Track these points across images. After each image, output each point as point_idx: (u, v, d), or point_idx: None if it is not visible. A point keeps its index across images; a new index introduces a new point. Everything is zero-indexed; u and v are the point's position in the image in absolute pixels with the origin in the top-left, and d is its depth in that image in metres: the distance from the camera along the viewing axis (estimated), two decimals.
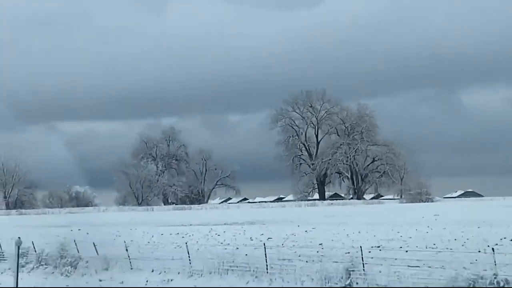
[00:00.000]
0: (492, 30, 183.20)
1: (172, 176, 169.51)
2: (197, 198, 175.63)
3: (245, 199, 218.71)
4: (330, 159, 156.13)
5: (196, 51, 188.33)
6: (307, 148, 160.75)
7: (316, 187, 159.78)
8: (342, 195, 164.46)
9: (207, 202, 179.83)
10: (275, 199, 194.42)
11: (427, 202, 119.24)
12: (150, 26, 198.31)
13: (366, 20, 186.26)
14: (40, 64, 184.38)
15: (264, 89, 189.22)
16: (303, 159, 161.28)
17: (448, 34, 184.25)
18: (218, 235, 48.29)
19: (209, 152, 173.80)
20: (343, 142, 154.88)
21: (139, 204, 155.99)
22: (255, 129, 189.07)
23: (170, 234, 53.99)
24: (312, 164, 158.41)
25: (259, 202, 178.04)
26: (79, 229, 56.15)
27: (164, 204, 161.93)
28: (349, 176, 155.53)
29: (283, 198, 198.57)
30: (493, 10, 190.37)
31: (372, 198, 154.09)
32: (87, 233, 50.69)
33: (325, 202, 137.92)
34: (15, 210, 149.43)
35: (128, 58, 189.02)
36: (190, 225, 66.19)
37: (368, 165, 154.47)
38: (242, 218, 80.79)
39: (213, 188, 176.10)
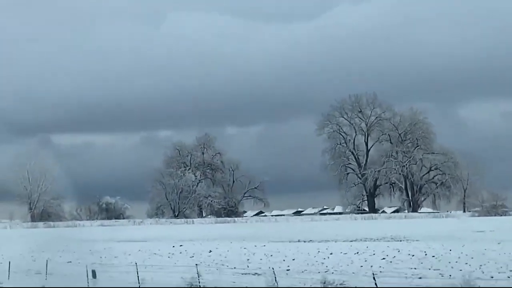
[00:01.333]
0: None
1: (208, 186, 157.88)
2: (233, 210, 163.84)
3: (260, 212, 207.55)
4: (381, 169, 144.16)
5: (193, 64, 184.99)
6: (356, 156, 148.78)
7: (366, 198, 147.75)
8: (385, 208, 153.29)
9: (242, 215, 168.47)
10: (294, 212, 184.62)
11: (503, 215, 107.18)
12: (147, 40, 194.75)
13: (366, 31, 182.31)
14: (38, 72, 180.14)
15: (261, 102, 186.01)
16: (351, 169, 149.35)
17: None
18: (325, 258, 38.04)
19: (236, 162, 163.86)
20: (398, 150, 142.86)
21: (176, 216, 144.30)
22: (260, 141, 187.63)
23: (267, 254, 42.89)
24: (362, 174, 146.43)
25: (279, 215, 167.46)
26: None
27: (198, 216, 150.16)
28: (403, 186, 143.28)
29: (302, 211, 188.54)
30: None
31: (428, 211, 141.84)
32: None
33: (382, 215, 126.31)
34: (42, 223, 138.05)
35: (125, 71, 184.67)
36: (272, 242, 54.59)
37: (424, 175, 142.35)
38: (312, 234, 68.74)
39: (241, 200, 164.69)
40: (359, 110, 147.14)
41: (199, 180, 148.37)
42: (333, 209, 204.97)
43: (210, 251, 46.84)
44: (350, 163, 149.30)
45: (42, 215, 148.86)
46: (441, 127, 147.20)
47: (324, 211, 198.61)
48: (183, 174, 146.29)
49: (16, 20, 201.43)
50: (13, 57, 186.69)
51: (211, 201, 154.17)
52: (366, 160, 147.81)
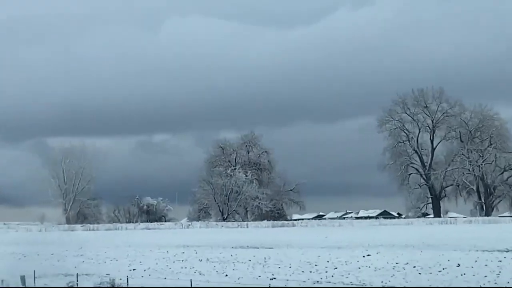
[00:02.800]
0: None
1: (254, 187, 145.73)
2: (280, 213, 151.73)
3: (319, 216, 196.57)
4: (452, 169, 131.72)
5: (191, 68, 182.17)
6: (420, 155, 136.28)
7: (430, 201, 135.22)
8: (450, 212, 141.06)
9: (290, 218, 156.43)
10: (315, 217, 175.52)
11: None
12: (145, 44, 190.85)
13: (366, 36, 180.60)
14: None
15: (259, 106, 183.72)
16: (415, 169, 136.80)
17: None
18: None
19: (272, 163, 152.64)
20: (470, 149, 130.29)
21: (224, 219, 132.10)
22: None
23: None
24: (426, 174, 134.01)
25: (298, 219, 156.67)
26: None
27: (243, 220, 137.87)
28: (474, 188, 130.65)
29: (323, 215, 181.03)
30: None
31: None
32: None
33: (459, 219, 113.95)
34: (80, 225, 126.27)
35: (122, 74, 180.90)
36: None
37: (498, 175, 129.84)
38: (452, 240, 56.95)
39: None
40: (425, 105, 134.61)
41: (251, 180, 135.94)
42: (357, 213, 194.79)
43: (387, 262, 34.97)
44: (413, 163, 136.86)
45: (78, 216, 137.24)
46: None
47: (347, 215, 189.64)
48: (233, 174, 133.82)
49: (12, 24, 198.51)
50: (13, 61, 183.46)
51: (259, 203, 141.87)
52: (431, 160, 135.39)
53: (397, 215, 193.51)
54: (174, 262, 43.11)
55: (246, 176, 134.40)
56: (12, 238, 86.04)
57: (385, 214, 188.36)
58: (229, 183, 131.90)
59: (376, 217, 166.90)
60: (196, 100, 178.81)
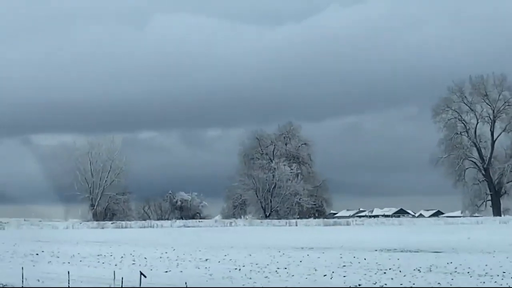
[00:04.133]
0: None
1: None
2: (321, 210, 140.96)
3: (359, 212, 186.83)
4: (509, 163, 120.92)
5: (178, 66, 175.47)
6: (478, 148, 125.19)
7: (490, 198, 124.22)
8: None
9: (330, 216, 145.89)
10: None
11: None
12: (131, 41, 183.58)
13: (355, 34, 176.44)
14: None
15: (245, 104, 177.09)
16: (473, 162, 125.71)
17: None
18: None
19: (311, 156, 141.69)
20: None
21: (267, 217, 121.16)
22: None
23: None
24: (485, 169, 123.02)
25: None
26: None
27: (287, 218, 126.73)
28: None
29: (335, 213, 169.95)
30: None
31: None
32: None
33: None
34: (111, 222, 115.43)
35: (107, 71, 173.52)
36: None
37: None
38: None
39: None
40: (484, 93, 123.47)
41: (296, 174, 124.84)
42: (371, 211, 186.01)
43: None
44: (470, 157, 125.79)
45: (106, 213, 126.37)
46: None
47: (359, 213, 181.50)
48: (276, 167, 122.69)
49: None
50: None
51: (299, 199, 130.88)
52: (491, 153, 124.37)
53: (413, 214, 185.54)
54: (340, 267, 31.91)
55: (291, 169, 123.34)
56: (53, 235, 75.24)
57: (401, 213, 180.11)
58: (272, 177, 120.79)
59: (392, 216, 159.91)
60: (182, 98, 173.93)
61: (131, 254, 43.72)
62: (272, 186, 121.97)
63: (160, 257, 40.68)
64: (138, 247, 52.82)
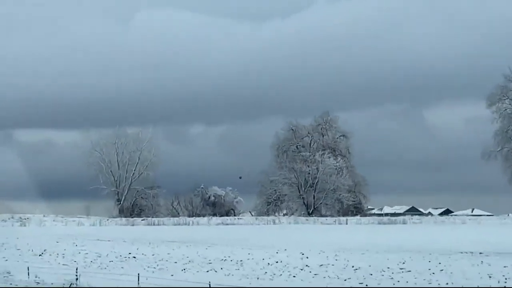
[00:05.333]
0: None
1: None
2: (359, 207, 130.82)
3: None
4: None
5: (163, 62, 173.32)
6: None
7: None
8: None
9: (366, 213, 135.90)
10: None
11: None
12: (115, 37, 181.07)
13: (342, 31, 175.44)
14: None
15: (229, 101, 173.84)
16: None
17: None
18: None
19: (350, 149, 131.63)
20: None
21: (309, 214, 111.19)
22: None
23: None
24: None
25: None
26: None
27: (331, 215, 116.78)
28: None
29: (372, 209, 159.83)
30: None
31: None
32: None
33: None
34: (141, 219, 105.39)
35: (91, 67, 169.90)
36: None
37: None
38: None
39: None
40: None
41: (340, 168, 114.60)
42: (381, 209, 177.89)
43: None
44: None
45: (133, 208, 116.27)
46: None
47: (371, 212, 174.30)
48: (321, 159, 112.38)
49: None
50: None
51: (339, 194, 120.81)
52: None
53: (426, 213, 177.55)
54: None
55: (337, 162, 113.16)
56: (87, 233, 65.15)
57: (413, 211, 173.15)
58: (316, 171, 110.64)
59: (404, 214, 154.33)
60: (167, 94, 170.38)
61: (280, 261, 34.52)
62: (316, 181, 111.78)
63: (322, 265, 31.51)
64: (255, 249, 43.54)
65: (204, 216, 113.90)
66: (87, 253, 40.59)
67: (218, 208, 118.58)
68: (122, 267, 32.49)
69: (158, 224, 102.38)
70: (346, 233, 71.81)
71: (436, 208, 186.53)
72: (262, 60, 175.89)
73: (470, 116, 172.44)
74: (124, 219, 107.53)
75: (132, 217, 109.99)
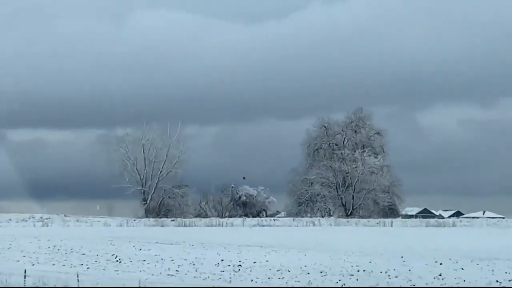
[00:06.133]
0: None
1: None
2: (394, 209, 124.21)
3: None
4: None
5: (156, 62, 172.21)
6: None
7: None
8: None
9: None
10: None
11: None
12: (108, 37, 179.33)
13: (337, 32, 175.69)
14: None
15: (223, 101, 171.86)
16: None
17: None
18: None
19: (385, 147, 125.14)
20: None
21: (348, 215, 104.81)
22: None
23: None
24: None
25: None
26: None
27: (370, 216, 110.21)
28: None
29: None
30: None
31: None
32: None
33: None
34: (170, 220, 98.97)
35: (85, 66, 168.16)
36: None
37: None
38: None
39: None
40: None
41: (381, 167, 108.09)
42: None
43: None
44: None
45: (160, 208, 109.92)
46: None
47: None
48: (361, 157, 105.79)
49: None
50: None
51: (375, 195, 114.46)
52: None
53: (438, 215, 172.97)
54: None
55: (378, 161, 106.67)
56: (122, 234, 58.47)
57: (425, 213, 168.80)
58: (355, 170, 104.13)
59: (417, 216, 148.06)
60: (161, 95, 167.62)
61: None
62: (355, 180, 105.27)
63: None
64: (336, 254, 37.24)
65: (233, 216, 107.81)
66: (172, 260, 34.50)
67: (249, 208, 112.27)
68: (241, 280, 26.52)
69: (190, 225, 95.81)
70: (408, 236, 65.60)
71: (446, 210, 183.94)
72: (256, 61, 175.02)
73: (467, 118, 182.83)
74: (152, 219, 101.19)
75: (159, 218, 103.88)
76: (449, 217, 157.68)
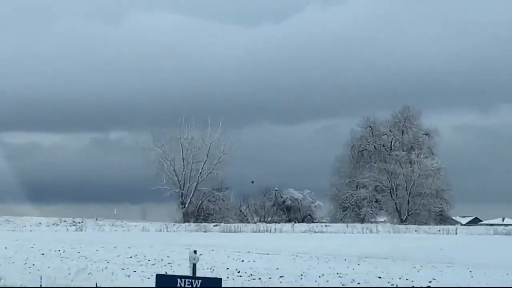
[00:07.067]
0: None
1: None
2: (444, 216, 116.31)
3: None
4: None
5: (151, 65, 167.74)
6: None
7: None
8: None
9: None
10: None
11: None
12: (104, 38, 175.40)
13: (334, 35, 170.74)
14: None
15: (218, 105, 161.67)
16: None
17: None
18: None
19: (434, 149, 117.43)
20: None
21: (402, 221, 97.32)
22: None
23: None
24: None
25: None
26: None
27: (426, 223, 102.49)
28: None
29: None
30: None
31: None
32: None
33: None
34: (213, 224, 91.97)
35: (80, 68, 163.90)
36: None
37: None
38: None
39: None
40: None
41: (438, 170, 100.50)
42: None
43: None
44: None
45: (199, 212, 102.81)
46: None
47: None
48: (418, 159, 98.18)
49: None
50: None
51: (426, 200, 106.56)
52: None
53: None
54: None
55: (436, 163, 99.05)
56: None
57: (475, 222, 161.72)
58: (411, 173, 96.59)
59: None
60: (156, 97, 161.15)
61: None
62: (411, 184, 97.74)
63: None
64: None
65: (277, 222, 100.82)
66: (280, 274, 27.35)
67: (293, 213, 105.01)
68: None
69: (235, 231, 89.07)
70: (499, 246, 58.22)
71: (464, 217, 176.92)
72: (253, 64, 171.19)
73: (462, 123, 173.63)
74: (193, 224, 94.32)
75: (199, 222, 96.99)
76: (467, 223, 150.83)
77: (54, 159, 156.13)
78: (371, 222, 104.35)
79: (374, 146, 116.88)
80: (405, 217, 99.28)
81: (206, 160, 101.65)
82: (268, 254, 40.37)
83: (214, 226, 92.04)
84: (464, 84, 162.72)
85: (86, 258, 34.77)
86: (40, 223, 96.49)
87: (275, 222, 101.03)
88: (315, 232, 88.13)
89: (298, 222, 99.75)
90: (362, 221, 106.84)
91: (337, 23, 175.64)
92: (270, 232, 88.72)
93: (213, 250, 42.14)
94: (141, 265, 31.47)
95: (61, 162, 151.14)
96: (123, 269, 28.89)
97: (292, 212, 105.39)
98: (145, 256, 35.92)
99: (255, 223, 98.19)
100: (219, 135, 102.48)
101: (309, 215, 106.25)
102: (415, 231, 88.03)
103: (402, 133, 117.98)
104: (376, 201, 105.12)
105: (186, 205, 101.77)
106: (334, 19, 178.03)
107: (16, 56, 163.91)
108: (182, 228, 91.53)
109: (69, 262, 32.29)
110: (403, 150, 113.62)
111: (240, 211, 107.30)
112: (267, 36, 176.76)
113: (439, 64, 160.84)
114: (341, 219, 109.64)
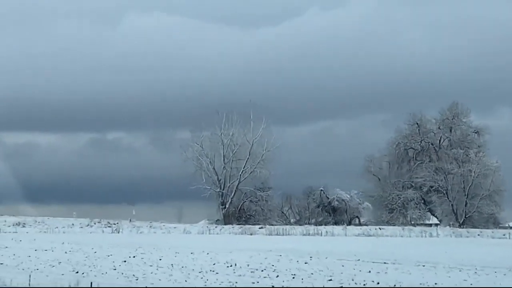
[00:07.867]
0: None
1: None
2: (494, 218, 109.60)
3: None
4: None
5: (150, 66, 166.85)
6: None
7: None
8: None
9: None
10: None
11: None
12: (102, 39, 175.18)
13: (334, 38, 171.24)
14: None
15: (218, 106, 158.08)
16: None
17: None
18: None
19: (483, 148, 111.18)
20: None
21: (460, 225, 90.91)
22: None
23: None
24: None
25: None
26: None
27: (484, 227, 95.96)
28: None
29: None
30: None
31: None
32: None
33: None
34: (259, 227, 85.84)
35: (78, 69, 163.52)
36: None
37: None
38: None
39: None
40: None
41: (497, 169, 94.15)
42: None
43: None
44: None
45: (240, 213, 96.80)
46: None
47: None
48: (478, 159, 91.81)
49: None
50: None
51: (479, 202, 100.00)
52: None
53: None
54: None
55: (496, 162, 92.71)
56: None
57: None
58: (470, 172, 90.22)
59: None
60: (154, 99, 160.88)
61: None
62: (469, 184, 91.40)
63: None
64: None
65: (322, 224, 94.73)
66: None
67: (339, 214, 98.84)
68: None
69: (283, 234, 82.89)
70: None
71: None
72: (252, 67, 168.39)
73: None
74: (236, 226, 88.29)
75: (240, 224, 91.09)
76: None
77: (63, 160, 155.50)
78: (419, 225, 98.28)
79: (421, 144, 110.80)
80: (462, 220, 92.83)
81: (248, 158, 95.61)
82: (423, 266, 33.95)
83: (260, 228, 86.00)
84: (462, 85, 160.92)
85: (178, 265, 28.82)
86: (73, 224, 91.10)
87: (319, 224, 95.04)
88: (370, 235, 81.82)
89: (346, 224, 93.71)
90: (408, 223, 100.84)
91: (336, 25, 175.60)
92: (321, 235, 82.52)
93: (318, 257, 36.02)
94: (253, 276, 25.49)
95: (69, 163, 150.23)
96: (253, 282, 22.96)
97: (338, 214, 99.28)
98: (248, 264, 29.90)
99: (300, 225, 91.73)
100: (262, 132, 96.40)
101: (356, 217, 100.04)
102: (478, 235, 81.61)
103: (450, 131, 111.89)
104: (424, 203, 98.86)
105: (227, 206, 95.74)
106: (333, 22, 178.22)
107: (14, 56, 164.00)
108: (225, 230, 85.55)
109: (168, 270, 26.42)
110: (452, 148, 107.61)
111: (282, 212, 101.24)
112: (267, 39, 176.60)
113: (444, 65, 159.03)
114: (387, 221, 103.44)
